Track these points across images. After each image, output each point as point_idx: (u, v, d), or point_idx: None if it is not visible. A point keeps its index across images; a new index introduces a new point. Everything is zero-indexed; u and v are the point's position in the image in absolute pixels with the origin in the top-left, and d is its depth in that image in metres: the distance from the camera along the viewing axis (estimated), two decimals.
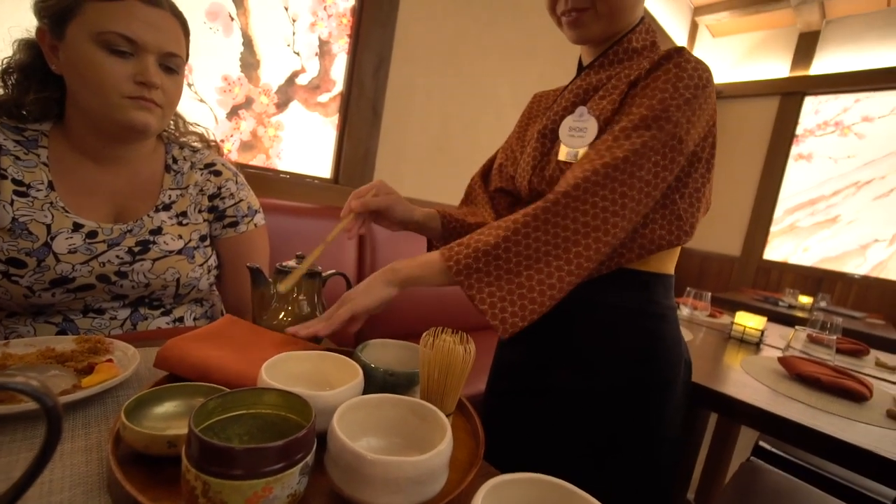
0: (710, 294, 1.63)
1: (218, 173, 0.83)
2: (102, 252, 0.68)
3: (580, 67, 0.71)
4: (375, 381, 0.48)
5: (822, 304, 2.51)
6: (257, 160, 1.41)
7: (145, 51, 0.66)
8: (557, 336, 0.66)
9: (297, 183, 1.43)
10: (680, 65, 0.55)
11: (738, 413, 0.80)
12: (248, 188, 0.88)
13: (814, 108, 3.03)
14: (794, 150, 3.08)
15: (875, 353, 1.44)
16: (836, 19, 2.97)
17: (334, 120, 1.54)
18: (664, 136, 0.54)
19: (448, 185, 1.91)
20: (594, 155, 0.55)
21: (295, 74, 1.42)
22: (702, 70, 0.57)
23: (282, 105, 1.41)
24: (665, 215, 0.61)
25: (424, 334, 0.46)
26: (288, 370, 0.47)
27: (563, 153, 0.62)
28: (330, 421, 0.36)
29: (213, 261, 0.80)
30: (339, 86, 1.52)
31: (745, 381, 0.93)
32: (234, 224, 0.83)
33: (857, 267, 2.82)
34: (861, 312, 2.52)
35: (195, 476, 0.30)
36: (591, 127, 0.61)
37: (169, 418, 0.42)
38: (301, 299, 0.66)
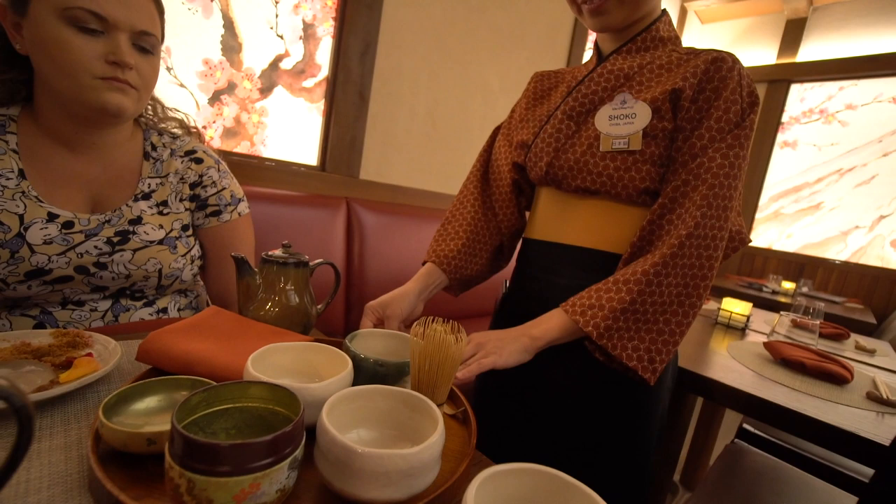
0: None
1: (199, 161, 0.80)
2: (80, 243, 0.65)
3: (599, 54, 0.69)
4: (365, 372, 0.47)
5: (805, 289, 2.56)
6: (241, 147, 1.37)
7: (116, 28, 0.62)
8: None
9: (283, 170, 1.39)
10: (740, 72, 0.58)
11: (724, 397, 0.81)
12: (230, 176, 0.85)
13: (799, 96, 3.06)
14: (780, 137, 3.11)
15: (855, 337, 1.47)
16: (822, 6, 2.98)
17: (320, 106, 1.50)
18: (746, 144, 0.57)
19: (437, 170, 1.88)
20: (701, 186, 0.55)
21: (279, 58, 1.38)
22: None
23: (266, 90, 1.37)
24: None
25: (415, 324, 0.45)
26: (275, 362, 0.46)
27: (608, 143, 0.61)
28: (319, 413, 0.35)
29: (196, 251, 0.78)
30: (324, 70, 1.48)
31: (731, 365, 0.94)
32: (217, 213, 0.81)
33: (838, 253, 2.87)
34: (841, 297, 2.58)
35: (179, 473, 0.29)
36: (642, 112, 0.59)
37: (152, 413, 0.40)
38: (289, 289, 0.64)
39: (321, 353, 0.48)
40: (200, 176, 0.80)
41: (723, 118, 0.56)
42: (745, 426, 1.35)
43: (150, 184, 0.74)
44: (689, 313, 0.55)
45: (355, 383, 0.45)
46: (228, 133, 1.34)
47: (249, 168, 1.33)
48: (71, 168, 0.69)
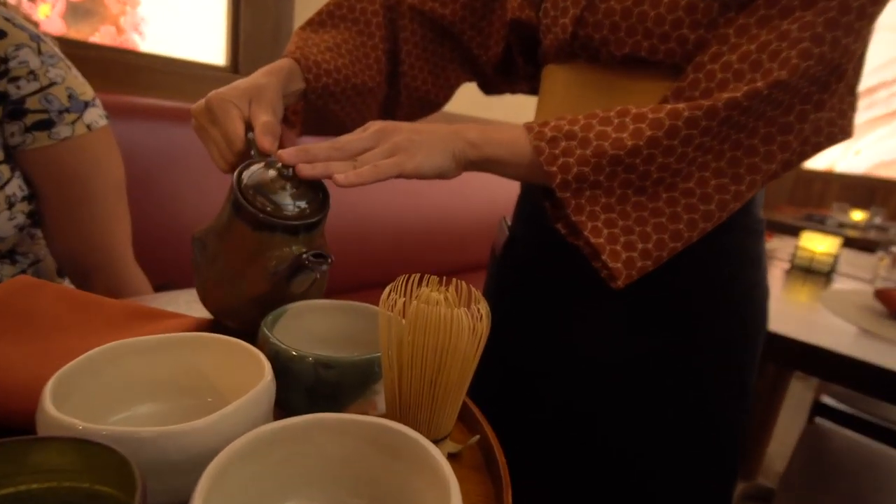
0: None
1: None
2: None
3: None
4: (298, 383, 0.40)
5: (877, 219, 2.58)
6: (102, 36, 1.25)
7: None
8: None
9: (172, 73, 1.29)
10: None
11: (830, 368, 0.81)
12: (67, 65, 0.74)
13: None
14: None
15: None
16: None
17: None
18: None
19: None
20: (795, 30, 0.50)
21: None
22: None
23: None
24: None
25: (388, 288, 0.35)
26: (123, 377, 0.37)
27: None
28: (192, 491, 0.24)
29: (17, 189, 0.70)
30: None
31: (828, 322, 0.94)
32: (47, 125, 0.71)
33: None
34: None
35: None
36: None
37: None
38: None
39: (217, 351, 0.39)
40: (4, 60, 0.68)
41: None
42: (825, 400, 1.37)
43: None
44: (715, 199, 0.51)
45: (281, 406, 0.38)
46: (77, 12, 1.21)
47: (120, 68, 1.21)
48: None
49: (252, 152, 0.50)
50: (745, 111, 0.49)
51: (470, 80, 0.75)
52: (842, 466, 1.02)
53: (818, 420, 1.27)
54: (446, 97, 0.76)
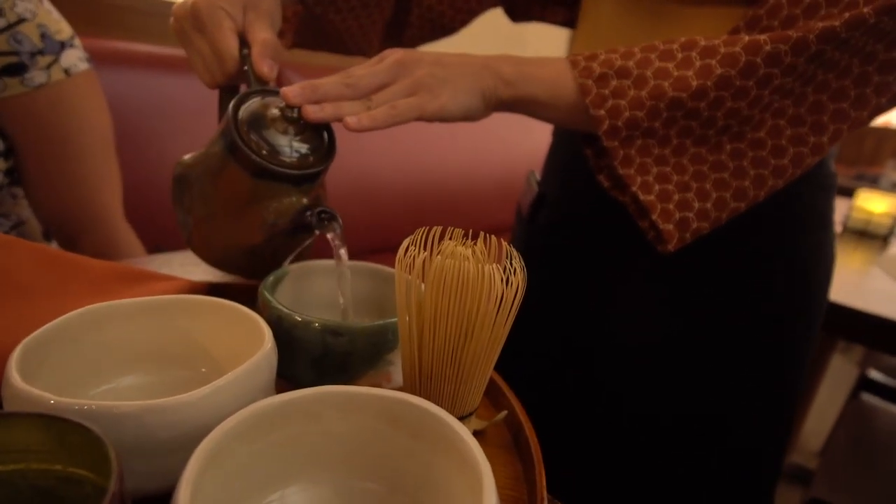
0: None
1: None
2: None
3: None
4: (304, 353, 0.39)
5: None
6: None
7: None
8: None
9: (163, 14, 1.25)
10: None
11: (886, 337, 0.82)
12: (41, 1, 0.71)
13: None
14: None
15: None
16: None
17: None
18: None
19: None
20: None
21: None
22: None
23: None
24: None
25: (406, 242, 0.33)
26: (104, 345, 0.36)
27: None
28: (180, 474, 0.23)
29: None
30: None
31: (885, 288, 0.94)
32: (17, 69, 0.68)
33: None
34: None
35: None
36: None
37: None
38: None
39: (212, 316, 0.39)
40: None
41: None
42: (872, 375, 1.36)
43: None
44: (790, 153, 0.48)
45: (284, 378, 0.38)
46: None
47: (98, 9, 1.19)
48: None
49: (246, 69, 0.47)
50: (842, 44, 0.44)
51: (494, 4, 0.72)
52: (889, 445, 1.01)
53: (864, 395, 1.26)
54: (463, 21, 0.72)
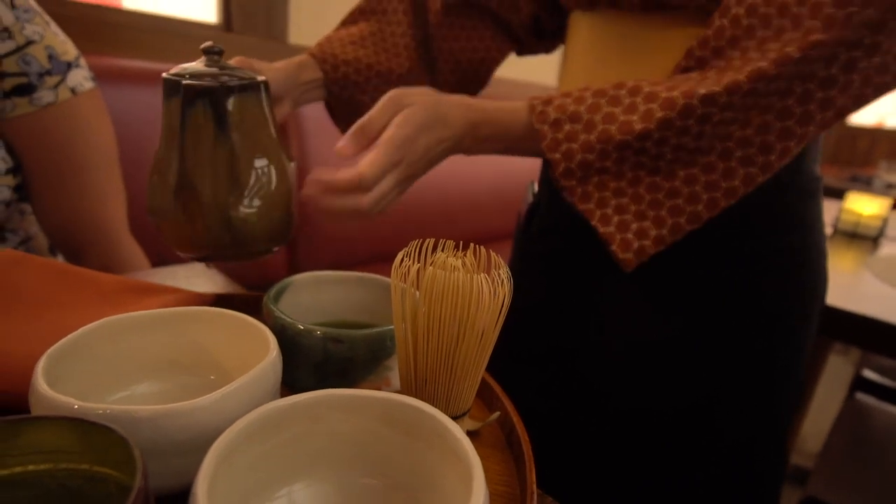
0: None
1: None
2: None
3: None
4: (306, 360, 0.40)
5: None
6: None
7: None
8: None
9: (159, 31, 1.28)
10: None
11: (877, 338, 0.81)
12: (46, 21, 0.72)
13: None
14: None
15: None
16: None
17: None
18: None
19: None
20: None
21: None
22: None
23: None
24: None
25: (400, 254, 0.34)
26: (119, 355, 0.37)
27: None
28: (197, 472, 0.24)
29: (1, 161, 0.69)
30: None
31: (875, 290, 0.93)
32: (26, 89, 0.69)
33: None
34: None
35: None
36: None
37: None
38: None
39: (219, 326, 0.39)
40: None
41: None
42: (867, 375, 1.36)
43: None
44: (750, 177, 0.49)
45: (288, 383, 0.38)
46: None
47: (102, 27, 1.19)
48: None
49: None
50: (774, 80, 0.46)
51: (509, 49, 0.76)
52: (885, 444, 1.01)
53: (859, 395, 1.26)
54: (489, 70, 0.77)
